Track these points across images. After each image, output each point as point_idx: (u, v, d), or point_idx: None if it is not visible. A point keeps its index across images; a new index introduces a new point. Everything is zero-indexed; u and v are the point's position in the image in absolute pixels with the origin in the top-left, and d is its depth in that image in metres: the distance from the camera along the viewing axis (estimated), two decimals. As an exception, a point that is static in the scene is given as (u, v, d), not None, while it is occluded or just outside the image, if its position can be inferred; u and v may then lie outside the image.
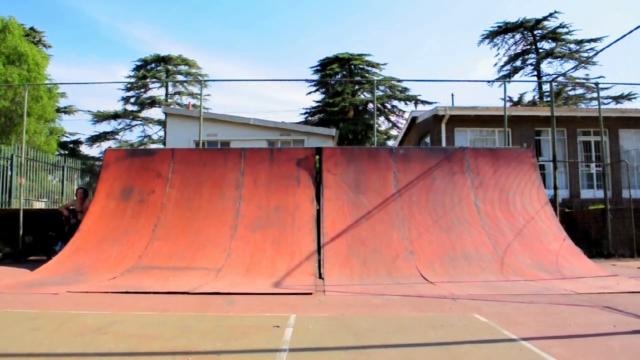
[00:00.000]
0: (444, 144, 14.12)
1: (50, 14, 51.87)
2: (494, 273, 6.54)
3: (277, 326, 3.69)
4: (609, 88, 24.26)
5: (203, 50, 56.73)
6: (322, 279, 6.39)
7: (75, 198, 9.56)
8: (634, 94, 25.97)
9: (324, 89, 31.23)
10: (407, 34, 58.39)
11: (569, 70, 27.65)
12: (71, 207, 9.28)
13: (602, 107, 10.55)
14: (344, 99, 28.36)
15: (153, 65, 32.99)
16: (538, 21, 28.42)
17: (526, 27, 28.85)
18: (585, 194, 14.21)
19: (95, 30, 54.65)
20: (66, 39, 51.71)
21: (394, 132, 30.75)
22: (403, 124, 23.98)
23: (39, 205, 13.04)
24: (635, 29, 7.65)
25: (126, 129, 32.24)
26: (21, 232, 9.16)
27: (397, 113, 30.61)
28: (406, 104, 30.00)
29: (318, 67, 31.12)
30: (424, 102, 28.78)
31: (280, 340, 3.28)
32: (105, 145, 31.64)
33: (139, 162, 8.85)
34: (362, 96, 29.74)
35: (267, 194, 8.21)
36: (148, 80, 31.89)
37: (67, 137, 30.47)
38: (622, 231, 9.46)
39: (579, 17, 49.90)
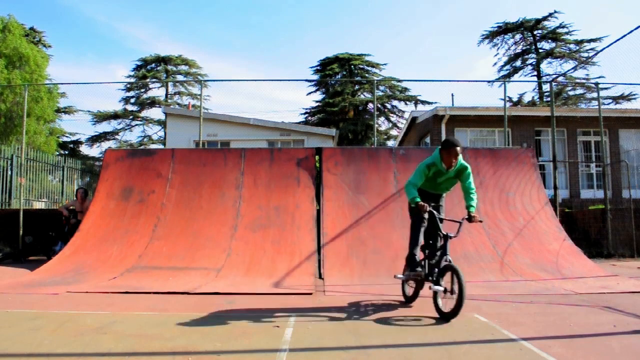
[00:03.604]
0: (444, 144, 14.09)
1: (48, 13, 51.91)
2: (494, 273, 6.54)
3: (277, 326, 3.69)
4: (609, 88, 24.28)
5: (202, 50, 56.78)
6: (322, 279, 6.39)
7: (75, 198, 9.56)
8: (634, 94, 25.99)
9: (324, 89, 31.23)
10: (407, 34, 58.42)
11: (569, 70, 27.66)
12: (71, 207, 9.28)
13: (602, 107, 10.55)
14: (344, 99, 28.36)
15: (153, 65, 33.01)
16: (538, 21, 28.43)
17: (526, 27, 28.85)
18: (585, 194, 14.21)
19: (93, 30, 54.72)
20: (64, 39, 51.77)
21: (394, 132, 30.76)
22: (403, 124, 23.99)
23: (39, 205, 13.04)
24: (635, 29, 7.65)
25: (126, 129, 32.28)
26: (21, 232, 9.16)
27: (397, 113, 30.63)
28: (406, 104, 30.02)
29: (318, 67, 31.14)
30: (424, 102, 28.79)
31: (280, 340, 3.28)
32: (105, 145, 31.69)
33: (139, 162, 8.85)
34: (362, 96, 29.74)
35: (267, 194, 8.21)
36: (148, 80, 31.89)
37: (67, 137, 30.50)
38: (622, 231, 9.46)
39: (579, 17, 49.95)
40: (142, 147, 29.71)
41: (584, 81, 26.42)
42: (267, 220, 7.75)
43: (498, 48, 30.33)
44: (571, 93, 27.87)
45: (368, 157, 8.76)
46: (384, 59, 58.91)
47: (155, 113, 32.45)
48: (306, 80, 34.16)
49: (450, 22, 56.90)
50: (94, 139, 31.80)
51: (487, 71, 52.73)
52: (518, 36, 29.67)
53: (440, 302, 4.02)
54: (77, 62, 53.93)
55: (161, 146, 27.46)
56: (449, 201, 8.01)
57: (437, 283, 4.04)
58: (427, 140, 15.86)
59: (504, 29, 29.44)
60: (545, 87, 27.53)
